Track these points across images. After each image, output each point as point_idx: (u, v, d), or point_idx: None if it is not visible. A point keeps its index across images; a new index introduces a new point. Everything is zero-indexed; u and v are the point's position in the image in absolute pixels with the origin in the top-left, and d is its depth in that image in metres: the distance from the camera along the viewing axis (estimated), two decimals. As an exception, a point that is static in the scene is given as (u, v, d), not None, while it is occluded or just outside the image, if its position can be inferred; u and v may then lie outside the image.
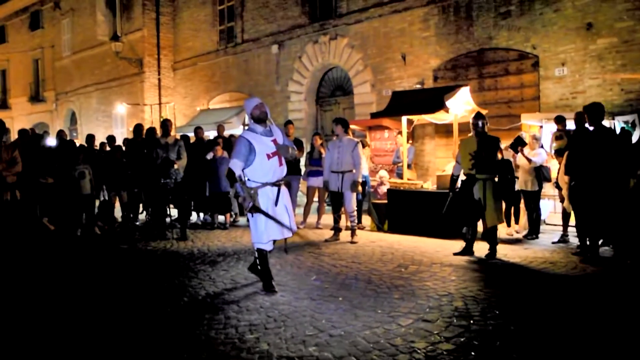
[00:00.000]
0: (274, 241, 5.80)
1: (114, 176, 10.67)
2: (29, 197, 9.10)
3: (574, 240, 8.12)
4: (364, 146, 10.01)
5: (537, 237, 8.80)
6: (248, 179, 5.50)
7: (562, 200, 8.35)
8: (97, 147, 12.31)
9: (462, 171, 7.59)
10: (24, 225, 8.83)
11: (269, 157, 5.51)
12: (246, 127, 5.92)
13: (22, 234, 8.49)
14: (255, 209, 5.42)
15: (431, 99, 9.90)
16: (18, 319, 4.90)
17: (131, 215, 11.08)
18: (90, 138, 11.82)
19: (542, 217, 9.31)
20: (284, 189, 5.73)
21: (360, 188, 8.84)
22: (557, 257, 7.37)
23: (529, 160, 8.64)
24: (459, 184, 7.68)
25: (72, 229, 9.59)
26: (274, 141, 5.63)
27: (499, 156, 7.22)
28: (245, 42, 18.14)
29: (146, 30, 20.73)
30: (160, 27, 20.93)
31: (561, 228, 8.62)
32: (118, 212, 11.27)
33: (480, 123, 7.33)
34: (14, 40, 29.35)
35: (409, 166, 11.13)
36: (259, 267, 5.82)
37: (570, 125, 8.84)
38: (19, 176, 8.16)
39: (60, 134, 12.23)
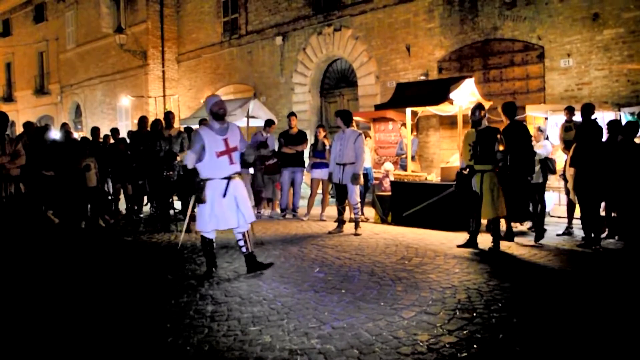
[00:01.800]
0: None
1: (119, 168, 10.68)
2: (33, 190, 9.11)
3: (578, 232, 8.09)
4: (365, 136, 9.97)
5: (541, 229, 8.76)
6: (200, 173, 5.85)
7: (567, 193, 8.31)
8: (102, 140, 12.32)
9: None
10: (28, 218, 8.84)
11: (217, 155, 5.77)
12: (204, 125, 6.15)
13: (26, 226, 8.50)
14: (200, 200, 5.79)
15: (435, 91, 9.84)
16: (21, 311, 4.92)
17: (135, 208, 11.09)
18: (95, 131, 11.81)
19: (547, 210, 9.27)
20: (237, 182, 5.97)
21: (361, 180, 8.80)
22: (561, 249, 7.34)
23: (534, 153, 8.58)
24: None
25: (77, 222, 9.61)
26: (225, 140, 5.85)
27: (500, 148, 7.11)
28: (249, 34, 18.10)
29: (150, 23, 20.70)
30: (164, 19, 20.91)
31: (566, 220, 8.58)
32: (122, 205, 11.29)
33: (476, 113, 7.28)
34: (19, 33, 29.38)
35: (412, 158, 11.09)
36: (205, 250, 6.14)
37: (577, 117, 8.75)
38: (23, 169, 8.16)
39: (64, 127, 12.22)
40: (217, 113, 5.90)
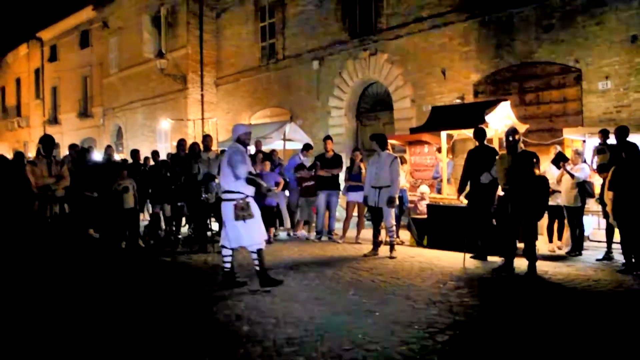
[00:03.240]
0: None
1: (158, 190, 10.91)
2: (77, 210, 9.39)
3: (619, 257, 7.93)
4: (402, 162, 10.00)
5: (580, 254, 8.64)
6: (239, 192, 6.25)
7: (606, 217, 8.18)
8: (142, 162, 12.62)
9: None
10: (73, 238, 9.11)
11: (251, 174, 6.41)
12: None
13: (70, 246, 8.76)
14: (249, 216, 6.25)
15: (471, 114, 9.84)
16: (63, 324, 5.08)
17: (174, 229, 11.29)
18: (135, 153, 12.14)
19: (586, 234, 9.12)
20: None
21: (397, 203, 8.82)
22: (601, 275, 7.22)
23: (572, 176, 8.49)
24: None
25: (117, 242, 9.85)
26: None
27: (536, 172, 7.07)
28: (286, 58, 18.37)
29: (190, 48, 21.20)
30: (203, 44, 21.38)
31: (605, 245, 8.43)
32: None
33: (510, 138, 7.24)
34: (65, 58, 30.47)
35: (448, 181, 11.06)
36: (257, 267, 6.53)
37: (612, 140, 8.63)
38: (67, 190, 8.45)
39: (108, 150, 12.58)
40: (244, 142, 6.54)
